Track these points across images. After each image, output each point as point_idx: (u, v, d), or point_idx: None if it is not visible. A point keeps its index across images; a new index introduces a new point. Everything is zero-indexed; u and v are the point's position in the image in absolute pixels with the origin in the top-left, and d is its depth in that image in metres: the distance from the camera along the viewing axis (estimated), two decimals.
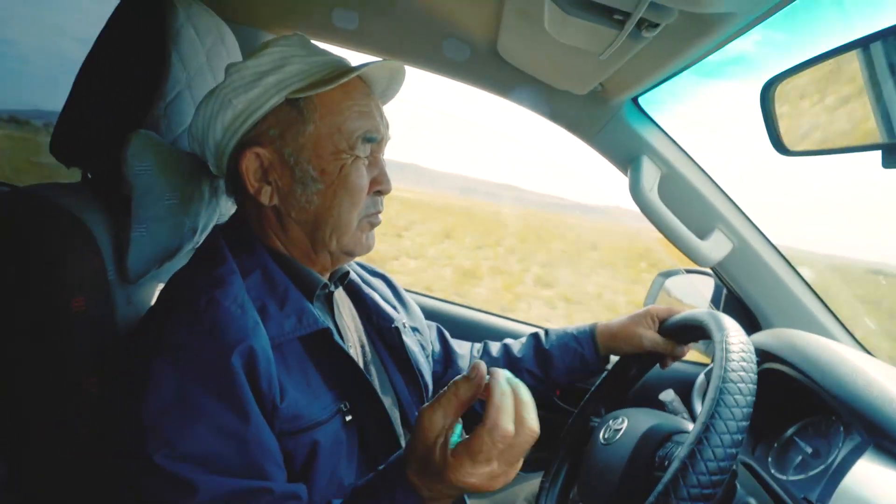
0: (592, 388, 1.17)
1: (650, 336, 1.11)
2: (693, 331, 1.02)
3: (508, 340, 1.25)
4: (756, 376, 0.75)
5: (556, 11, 0.64)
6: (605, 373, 1.19)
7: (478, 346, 1.26)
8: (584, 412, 1.15)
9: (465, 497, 0.76)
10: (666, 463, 0.84)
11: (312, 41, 0.90)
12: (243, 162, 0.83)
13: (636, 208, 1.30)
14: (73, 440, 0.81)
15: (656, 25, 0.68)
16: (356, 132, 0.85)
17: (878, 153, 0.66)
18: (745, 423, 0.69)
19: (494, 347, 1.24)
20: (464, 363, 1.21)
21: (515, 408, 0.64)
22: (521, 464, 0.66)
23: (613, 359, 1.21)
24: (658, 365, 1.15)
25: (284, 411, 0.76)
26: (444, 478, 0.63)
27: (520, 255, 11.54)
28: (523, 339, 1.23)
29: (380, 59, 0.88)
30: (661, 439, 0.89)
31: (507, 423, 0.62)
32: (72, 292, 0.79)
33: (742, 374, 0.74)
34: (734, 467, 0.71)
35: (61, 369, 0.80)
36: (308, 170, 0.84)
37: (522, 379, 1.16)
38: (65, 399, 0.80)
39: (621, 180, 1.32)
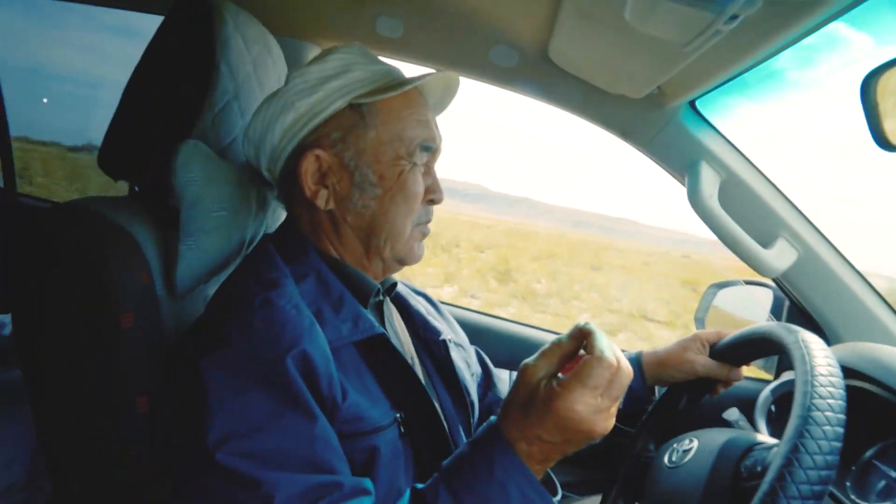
0: (642, 420, 1.10)
1: (702, 361, 1.03)
2: (752, 347, 0.95)
3: None
4: (845, 390, 0.68)
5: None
6: (654, 404, 1.11)
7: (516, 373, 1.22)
8: (634, 446, 1.08)
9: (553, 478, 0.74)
10: (759, 469, 0.78)
11: None
12: (303, 163, 0.83)
13: None
14: (124, 459, 0.79)
15: (736, 17, 0.63)
16: (415, 140, 0.85)
17: None
18: (837, 444, 0.63)
19: None
20: (504, 388, 1.16)
21: None
22: (616, 408, 0.67)
23: (659, 390, 1.14)
24: (707, 395, 1.08)
25: (346, 412, 0.74)
26: (551, 409, 0.64)
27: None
28: None
29: (425, 68, 0.87)
30: (743, 450, 0.83)
31: (611, 354, 0.65)
32: (121, 308, 0.77)
33: (831, 388, 0.67)
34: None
35: (112, 387, 0.78)
36: (368, 174, 0.84)
37: None
38: (115, 418, 0.78)
39: None
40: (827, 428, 0.63)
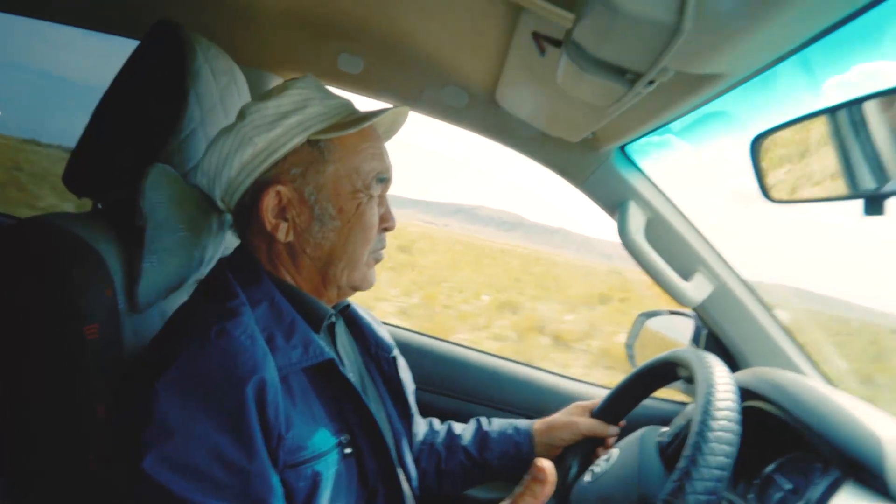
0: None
1: (584, 422, 1.11)
2: (619, 403, 1.08)
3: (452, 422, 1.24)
4: (741, 419, 0.78)
5: (572, 68, 0.69)
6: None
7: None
8: None
9: None
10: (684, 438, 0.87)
11: None
12: (264, 199, 0.85)
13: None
14: (81, 465, 0.82)
15: (653, 82, 0.74)
16: (371, 173, 0.89)
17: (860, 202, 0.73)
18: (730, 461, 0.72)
19: (436, 422, 1.24)
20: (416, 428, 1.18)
21: None
22: None
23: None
24: (597, 451, 1.14)
25: (290, 441, 0.77)
26: None
27: None
28: (467, 425, 1.22)
29: (381, 102, 0.91)
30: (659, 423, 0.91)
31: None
32: (86, 319, 0.80)
33: (726, 412, 0.76)
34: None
35: (74, 396, 0.81)
36: (327, 208, 0.87)
37: (456, 458, 1.16)
38: (75, 425, 0.81)
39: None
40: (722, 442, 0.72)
